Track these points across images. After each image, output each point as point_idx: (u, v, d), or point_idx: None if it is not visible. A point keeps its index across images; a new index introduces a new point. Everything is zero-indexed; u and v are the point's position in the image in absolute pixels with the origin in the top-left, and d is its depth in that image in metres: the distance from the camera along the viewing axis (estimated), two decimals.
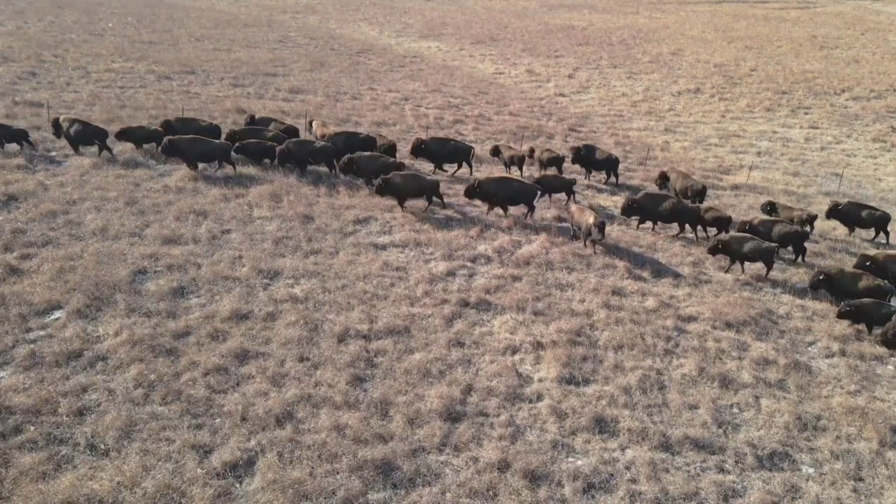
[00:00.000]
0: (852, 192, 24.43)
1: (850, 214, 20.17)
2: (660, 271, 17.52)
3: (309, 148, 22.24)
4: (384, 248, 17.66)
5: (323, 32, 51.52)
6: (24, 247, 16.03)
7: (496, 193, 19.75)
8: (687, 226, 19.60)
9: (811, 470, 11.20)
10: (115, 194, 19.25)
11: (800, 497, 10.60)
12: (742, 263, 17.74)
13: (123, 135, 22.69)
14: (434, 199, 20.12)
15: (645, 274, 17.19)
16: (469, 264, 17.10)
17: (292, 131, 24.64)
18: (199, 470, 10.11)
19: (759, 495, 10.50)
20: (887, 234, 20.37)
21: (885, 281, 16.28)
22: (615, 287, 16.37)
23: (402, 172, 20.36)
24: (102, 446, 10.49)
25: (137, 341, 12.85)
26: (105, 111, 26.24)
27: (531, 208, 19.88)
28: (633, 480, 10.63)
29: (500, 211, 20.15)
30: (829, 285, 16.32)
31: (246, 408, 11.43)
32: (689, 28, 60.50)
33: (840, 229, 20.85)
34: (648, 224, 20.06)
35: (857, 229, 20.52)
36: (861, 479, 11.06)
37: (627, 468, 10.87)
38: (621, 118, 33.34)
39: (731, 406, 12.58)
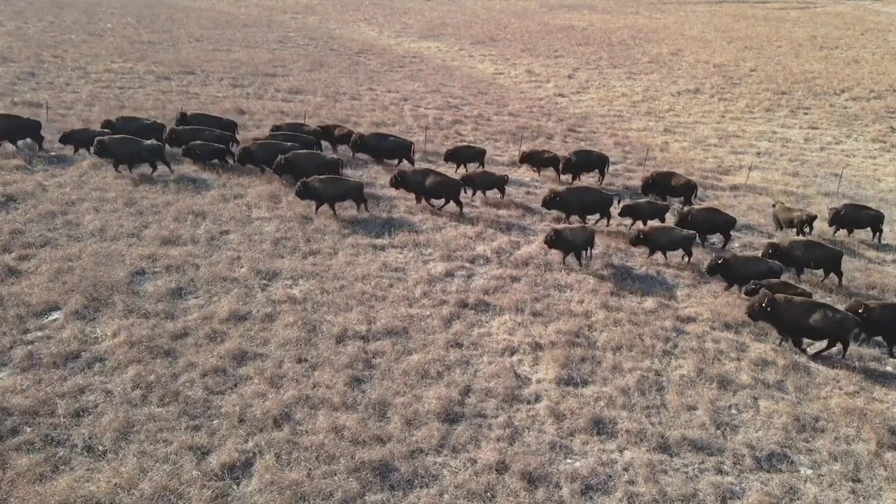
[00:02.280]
0: (852, 192, 24.42)
1: (850, 218, 20.13)
2: (659, 272, 17.51)
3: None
4: (383, 248, 17.65)
5: (322, 33, 51.52)
6: (22, 247, 16.01)
7: (415, 185, 20.07)
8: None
9: (809, 471, 11.19)
10: (114, 195, 19.24)
11: (798, 498, 10.58)
12: (664, 253, 17.90)
13: (68, 138, 21.75)
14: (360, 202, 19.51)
15: (644, 275, 17.17)
16: (468, 265, 17.09)
17: (230, 126, 24.32)
18: (196, 471, 10.09)
19: (757, 496, 10.48)
20: (881, 232, 20.37)
21: (777, 262, 16.87)
22: (614, 288, 16.35)
23: (322, 176, 19.36)
24: (100, 448, 10.47)
25: (135, 342, 12.84)
26: (104, 111, 26.21)
27: (458, 203, 20.09)
28: (632, 482, 10.61)
29: (506, 212, 20.14)
30: (724, 270, 16.42)
31: (244, 409, 11.42)
32: (688, 28, 60.49)
33: (840, 230, 20.83)
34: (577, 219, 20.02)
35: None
36: (859, 481, 11.04)
37: (626, 469, 10.86)
38: (621, 118, 33.33)
39: (730, 407, 12.57)
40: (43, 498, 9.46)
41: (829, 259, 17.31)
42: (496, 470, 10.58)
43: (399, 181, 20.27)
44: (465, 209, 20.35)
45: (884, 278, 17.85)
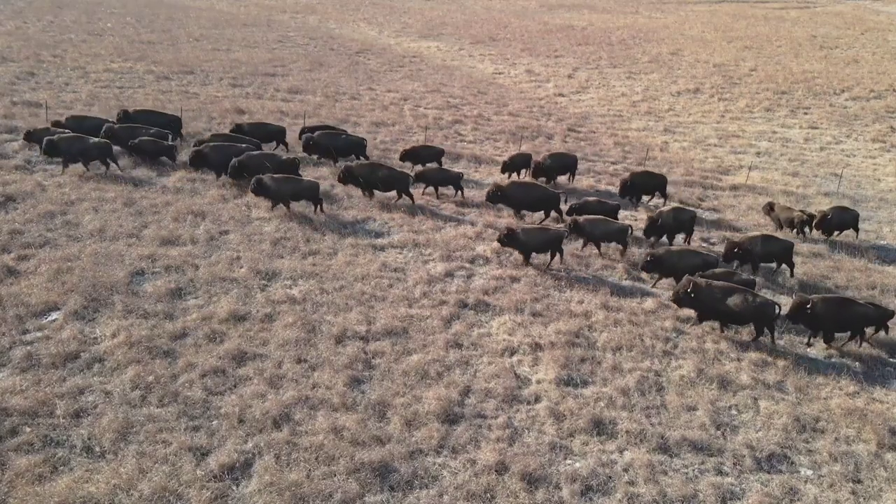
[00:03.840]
0: (851, 192, 24.41)
1: (837, 220, 19.97)
2: None
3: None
4: (382, 249, 17.63)
5: (322, 32, 51.49)
6: (21, 248, 16.00)
7: (363, 179, 20.15)
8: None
9: (809, 472, 11.17)
10: (113, 195, 19.23)
11: (798, 499, 10.57)
12: (598, 245, 17.80)
13: (31, 136, 21.54)
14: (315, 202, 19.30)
15: (644, 275, 17.15)
16: (467, 265, 17.07)
17: (175, 122, 24.05)
18: (196, 472, 10.07)
19: (757, 497, 10.47)
20: (857, 230, 20.40)
21: (712, 253, 17.22)
22: (614, 288, 16.34)
23: (275, 175, 19.26)
24: (99, 448, 10.45)
25: (135, 343, 12.82)
26: (104, 111, 26.19)
27: (409, 196, 20.22)
28: (632, 483, 10.59)
29: (505, 212, 20.14)
30: (658, 265, 16.38)
31: (243, 410, 11.40)
32: (688, 28, 60.47)
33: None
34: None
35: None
36: (860, 482, 11.02)
37: (625, 470, 10.84)
38: (620, 118, 33.31)
39: (730, 408, 12.55)
40: (42, 499, 9.43)
41: (783, 251, 17.46)
42: (496, 471, 10.56)
43: (347, 176, 20.34)
44: (466, 209, 20.32)
45: (884, 278, 17.84)
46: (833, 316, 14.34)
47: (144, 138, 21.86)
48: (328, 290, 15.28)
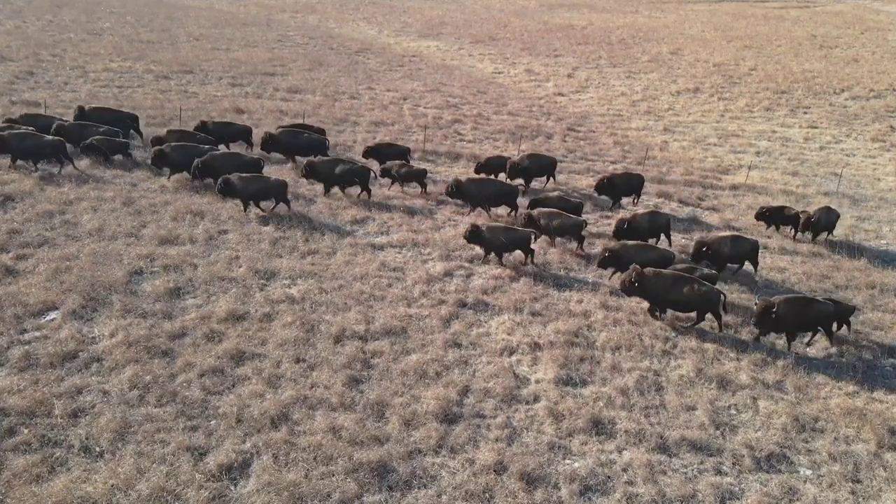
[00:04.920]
0: (851, 191, 24.40)
1: (824, 222, 19.70)
2: None
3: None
4: (381, 248, 17.61)
5: (322, 32, 51.46)
6: (19, 247, 15.97)
7: (325, 173, 20.33)
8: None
9: (809, 472, 11.15)
10: (112, 194, 19.20)
11: (797, 499, 10.55)
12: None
13: None
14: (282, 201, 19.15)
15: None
16: (466, 265, 17.05)
17: (133, 119, 23.80)
18: (194, 472, 10.05)
19: (756, 497, 10.45)
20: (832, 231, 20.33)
21: (669, 248, 17.41)
22: (613, 288, 16.30)
23: (243, 174, 19.01)
24: (97, 448, 10.43)
25: (133, 342, 12.80)
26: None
27: (367, 190, 20.38)
28: (630, 482, 10.57)
29: (504, 212, 20.12)
30: (615, 260, 16.33)
31: (241, 409, 11.38)
32: (688, 27, 60.44)
33: (838, 229, 20.80)
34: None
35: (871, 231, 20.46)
36: (859, 481, 11.01)
37: (624, 470, 10.82)
38: (620, 118, 33.29)
39: (729, 407, 12.54)
40: (40, 499, 9.41)
41: (750, 251, 17.38)
42: (494, 470, 10.54)
43: (309, 171, 20.45)
44: (464, 210, 20.28)
45: (884, 278, 17.82)
46: (796, 316, 14.26)
47: (98, 137, 21.50)
48: (327, 290, 15.25)
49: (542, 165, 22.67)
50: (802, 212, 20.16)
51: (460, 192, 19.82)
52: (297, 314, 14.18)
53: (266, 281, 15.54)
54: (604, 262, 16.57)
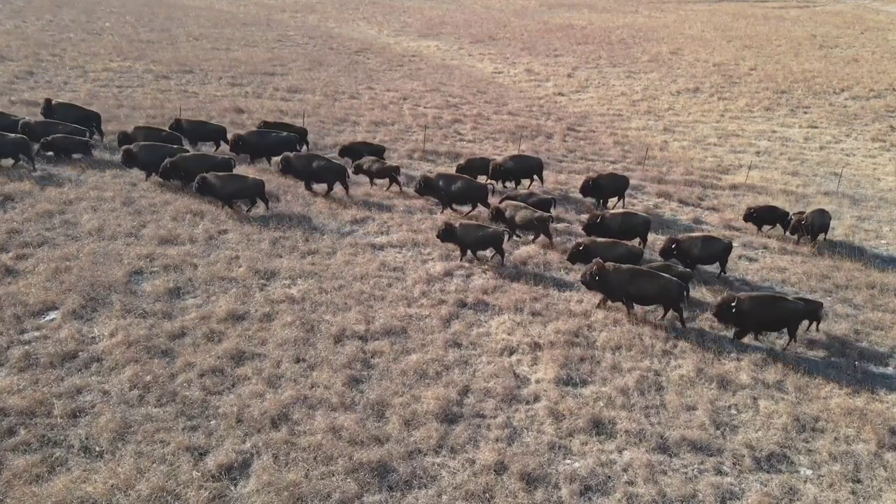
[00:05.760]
0: (851, 191, 24.39)
1: (818, 224, 19.51)
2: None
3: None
4: (381, 248, 17.60)
5: (322, 31, 51.44)
6: (19, 247, 15.95)
7: (300, 170, 20.51)
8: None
9: (809, 472, 11.15)
10: (112, 194, 19.18)
11: (798, 499, 10.55)
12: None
13: None
14: (260, 200, 19.00)
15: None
16: (466, 265, 17.04)
17: (93, 117, 23.62)
18: (193, 472, 10.05)
19: (756, 497, 10.44)
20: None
21: (638, 245, 17.50)
22: None
23: (219, 173, 18.99)
24: (97, 448, 10.42)
25: (133, 342, 12.78)
26: (103, 110, 26.10)
27: (345, 186, 20.54)
28: (631, 482, 10.57)
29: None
30: (584, 256, 16.32)
31: (241, 409, 11.37)
32: (688, 27, 60.43)
33: (839, 229, 20.82)
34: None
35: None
36: (859, 481, 11.00)
37: (625, 470, 10.82)
38: (620, 117, 33.29)
39: (729, 407, 12.53)
40: (39, 499, 9.40)
41: (721, 251, 17.23)
42: (495, 470, 10.53)
43: (285, 167, 20.62)
44: (463, 210, 20.28)
45: (884, 277, 17.82)
46: (761, 313, 14.22)
47: (57, 135, 21.24)
48: (327, 290, 15.24)
49: (528, 167, 22.27)
50: (797, 213, 20.09)
51: (428, 187, 19.96)
52: (297, 314, 14.17)
53: (266, 281, 15.53)
54: (572, 257, 16.63)
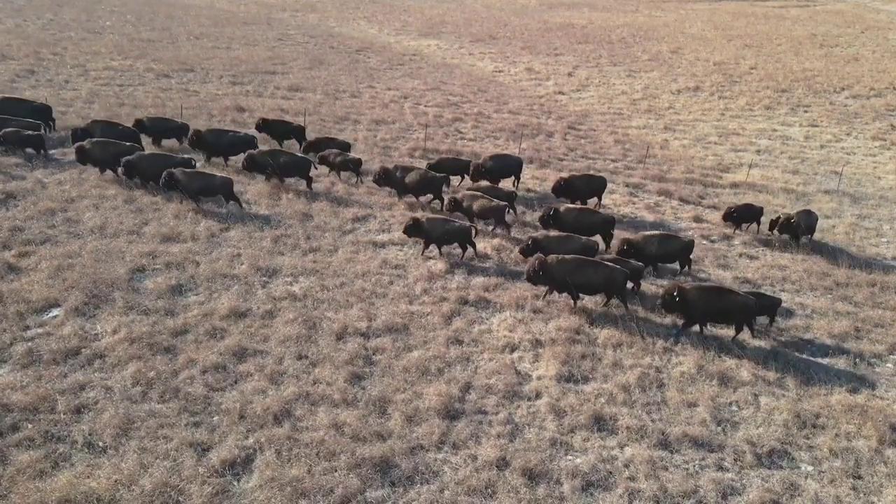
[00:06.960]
0: (852, 190, 24.42)
1: (805, 224, 19.40)
2: (659, 268, 17.48)
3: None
4: (383, 245, 17.63)
5: (322, 30, 51.46)
6: (22, 245, 16.00)
7: (264, 164, 20.71)
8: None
9: (810, 468, 11.18)
10: (114, 192, 19.22)
11: (799, 495, 10.58)
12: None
13: None
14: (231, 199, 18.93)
15: (644, 271, 17.12)
16: (468, 262, 17.06)
17: (43, 111, 23.50)
18: (197, 468, 10.08)
19: (757, 493, 10.48)
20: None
21: (592, 239, 17.09)
22: None
23: (186, 169, 18.95)
24: (100, 444, 10.46)
25: (135, 339, 12.83)
26: (104, 109, 26.21)
27: (308, 180, 20.77)
28: (632, 478, 10.60)
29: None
30: (535, 249, 16.22)
31: (244, 406, 11.41)
32: (688, 26, 60.45)
33: (839, 227, 20.84)
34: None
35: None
36: (860, 478, 11.03)
37: (626, 466, 10.85)
38: (620, 116, 33.31)
39: (730, 404, 12.56)
40: (43, 494, 9.44)
41: (680, 250, 17.07)
42: (497, 466, 10.57)
43: (249, 164, 20.81)
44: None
45: (884, 276, 17.84)
46: (706, 305, 14.19)
47: (7, 130, 21.13)
48: (329, 287, 15.28)
49: (507, 166, 21.96)
50: (784, 214, 19.98)
51: (387, 179, 20.24)
52: (299, 311, 14.21)
53: (268, 278, 15.57)
54: (525, 251, 16.56)
